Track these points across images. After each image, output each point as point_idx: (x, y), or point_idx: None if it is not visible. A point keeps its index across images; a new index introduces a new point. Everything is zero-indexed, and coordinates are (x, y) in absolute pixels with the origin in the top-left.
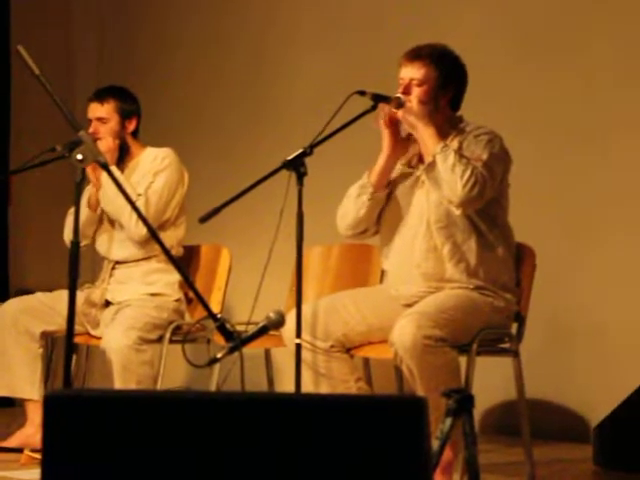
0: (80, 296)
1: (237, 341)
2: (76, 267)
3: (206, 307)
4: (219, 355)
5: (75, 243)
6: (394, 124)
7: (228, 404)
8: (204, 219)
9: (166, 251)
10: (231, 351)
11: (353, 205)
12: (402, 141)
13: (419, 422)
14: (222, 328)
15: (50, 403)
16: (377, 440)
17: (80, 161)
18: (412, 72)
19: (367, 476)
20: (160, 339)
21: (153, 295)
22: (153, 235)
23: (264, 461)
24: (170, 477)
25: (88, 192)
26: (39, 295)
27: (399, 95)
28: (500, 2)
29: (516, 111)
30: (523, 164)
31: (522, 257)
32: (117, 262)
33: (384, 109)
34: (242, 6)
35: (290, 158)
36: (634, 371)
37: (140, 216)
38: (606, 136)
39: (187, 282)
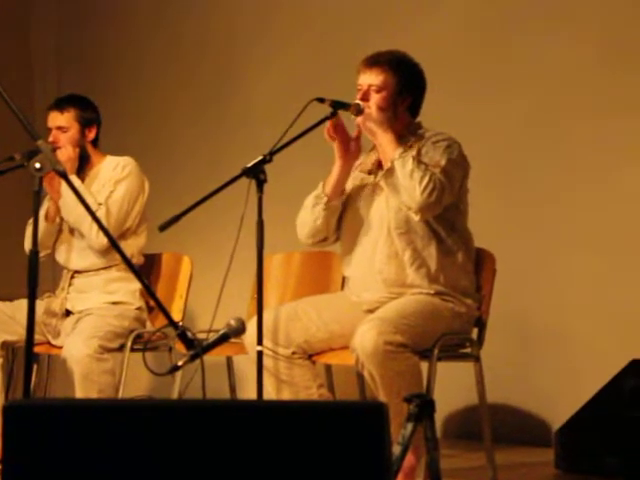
0: (40, 305)
1: (198, 349)
2: (35, 276)
3: (167, 315)
4: (180, 363)
5: (34, 252)
6: (340, 133)
7: (189, 412)
8: (164, 227)
9: (127, 260)
10: (192, 359)
11: (310, 215)
12: (352, 148)
13: (380, 428)
14: (183, 336)
15: (10, 413)
16: (339, 446)
17: (38, 170)
18: (370, 78)
19: None
20: (121, 348)
21: (114, 304)
22: (114, 245)
23: (226, 468)
24: None
25: (46, 204)
26: None
27: (358, 102)
28: (458, 7)
29: (472, 115)
30: (483, 168)
31: (482, 262)
32: (76, 271)
33: (326, 123)
34: (203, 20)
35: (250, 165)
36: (595, 375)
37: (101, 226)
38: (571, 139)
39: (148, 290)
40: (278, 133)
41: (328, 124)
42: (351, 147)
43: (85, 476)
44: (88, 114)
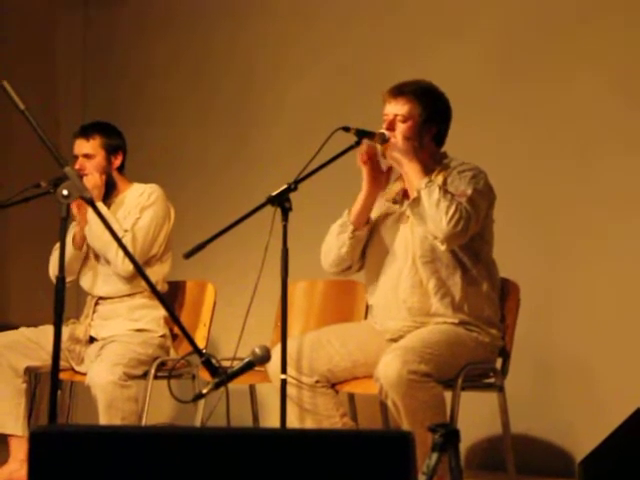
0: (65, 332)
1: (223, 376)
2: (62, 302)
3: (191, 342)
4: (205, 390)
5: (61, 278)
6: (371, 161)
7: (213, 439)
8: (189, 255)
9: (152, 287)
10: (217, 386)
11: (335, 243)
12: (381, 178)
13: (406, 457)
14: (208, 363)
15: (36, 439)
16: (364, 475)
17: (66, 197)
18: (396, 108)
19: None
20: (145, 375)
21: (138, 331)
22: (139, 271)
23: None
24: None
25: (73, 229)
26: (23, 330)
27: (383, 131)
28: (481, 34)
29: (499, 144)
30: (508, 200)
31: (506, 292)
32: (100, 298)
33: (360, 148)
34: (227, 44)
35: (275, 194)
36: (618, 406)
37: (126, 252)
38: (590, 168)
39: (173, 317)
40: (299, 159)
41: (362, 149)
42: (380, 177)
43: None
44: (114, 141)
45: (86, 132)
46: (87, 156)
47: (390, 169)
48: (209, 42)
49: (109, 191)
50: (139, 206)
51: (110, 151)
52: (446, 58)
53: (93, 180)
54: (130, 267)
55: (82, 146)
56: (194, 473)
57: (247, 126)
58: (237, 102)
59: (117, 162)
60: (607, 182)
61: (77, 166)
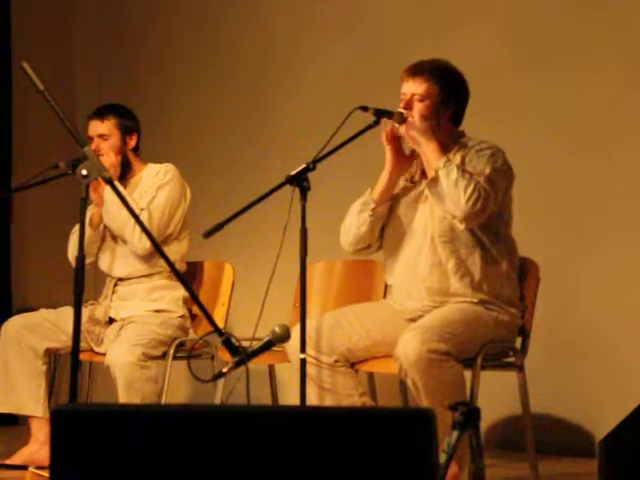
0: (84, 313)
1: (243, 355)
2: (82, 282)
3: (212, 322)
4: (225, 370)
5: (80, 258)
6: (396, 140)
7: (234, 417)
8: (208, 234)
9: (170, 264)
10: (237, 365)
11: (355, 222)
12: (405, 157)
13: (428, 435)
14: (228, 343)
15: (57, 417)
16: (386, 453)
17: (85, 177)
18: (414, 87)
19: None
20: (164, 355)
21: (157, 312)
22: (157, 248)
23: (271, 474)
24: None
25: (90, 211)
26: (43, 312)
27: (401, 110)
28: (502, 14)
29: (518, 125)
30: (526, 178)
31: (526, 271)
32: (119, 279)
33: (386, 125)
34: (242, 22)
35: (293, 173)
36: (639, 385)
37: (144, 229)
38: (611, 149)
39: (192, 296)
40: (317, 139)
41: (387, 128)
42: (403, 159)
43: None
44: (128, 122)
45: (101, 113)
46: (102, 137)
47: (413, 153)
48: (225, 21)
49: (124, 172)
50: (155, 185)
51: (125, 132)
52: (462, 40)
53: (109, 160)
54: (147, 244)
55: (97, 127)
56: (214, 450)
57: (265, 106)
58: (254, 82)
59: (132, 143)
60: (631, 163)
61: (92, 147)
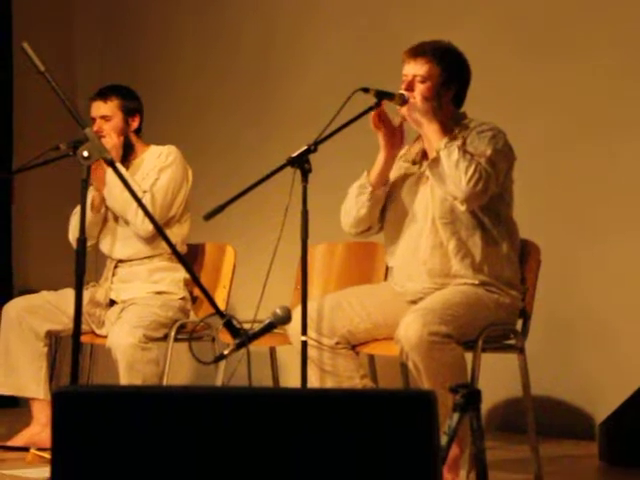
0: (85, 295)
1: (244, 337)
2: (83, 264)
3: (213, 304)
4: (226, 352)
5: (82, 240)
6: (384, 123)
7: (236, 399)
8: (209, 216)
9: (172, 247)
10: (238, 347)
11: (354, 204)
12: (397, 137)
13: (429, 417)
14: (229, 325)
15: (59, 399)
16: (387, 435)
17: (86, 158)
18: (415, 69)
19: (376, 471)
20: (165, 337)
21: (158, 293)
22: (159, 230)
23: (272, 456)
24: (179, 472)
25: (90, 193)
26: (44, 294)
27: (402, 92)
28: (505, 2)
29: (521, 108)
30: (528, 160)
31: (527, 253)
32: (120, 261)
33: (371, 114)
34: (246, 5)
35: (295, 155)
36: (639, 368)
37: (146, 212)
38: (613, 133)
39: (193, 278)
40: (319, 121)
41: (373, 115)
42: (395, 136)
43: (133, 462)
44: (131, 103)
45: (103, 94)
46: (105, 118)
47: (402, 125)
48: (229, 4)
49: (127, 153)
50: (157, 167)
51: (127, 113)
52: (465, 28)
53: (111, 141)
54: (150, 226)
55: (99, 108)
56: (216, 433)
57: (267, 88)
58: (257, 65)
59: (134, 124)
60: (633, 148)
61: (95, 128)
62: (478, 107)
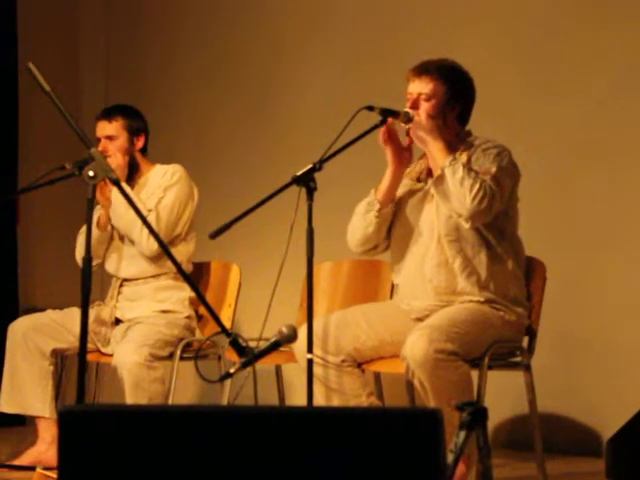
0: (90, 314)
1: (250, 356)
2: (89, 283)
3: (219, 322)
4: (232, 370)
5: (87, 259)
6: (392, 140)
7: (241, 418)
8: (215, 235)
9: (178, 266)
10: (244, 366)
11: (361, 222)
12: (405, 154)
13: (435, 434)
14: (235, 343)
15: (65, 418)
16: (393, 453)
17: (92, 177)
18: (420, 87)
19: None
20: (171, 356)
21: (164, 312)
22: (165, 250)
23: (278, 474)
24: None
25: (97, 212)
26: (50, 313)
27: (407, 110)
28: (510, 18)
29: (527, 126)
30: (534, 178)
31: (532, 270)
32: (125, 280)
33: (380, 129)
34: (251, 22)
35: (300, 174)
36: None
37: (151, 231)
38: (617, 151)
39: (199, 297)
40: (324, 140)
41: (382, 130)
42: (404, 154)
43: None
44: (136, 123)
45: (108, 114)
46: (110, 138)
47: (411, 145)
48: (233, 22)
49: (132, 173)
50: (162, 186)
51: (132, 133)
52: (476, 39)
53: (116, 161)
54: (155, 246)
55: (104, 128)
56: (222, 451)
57: (272, 107)
58: (261, 83)
59: (139, 144)
60: (636, 160)
61: (100, 148)
62: (483, 126)
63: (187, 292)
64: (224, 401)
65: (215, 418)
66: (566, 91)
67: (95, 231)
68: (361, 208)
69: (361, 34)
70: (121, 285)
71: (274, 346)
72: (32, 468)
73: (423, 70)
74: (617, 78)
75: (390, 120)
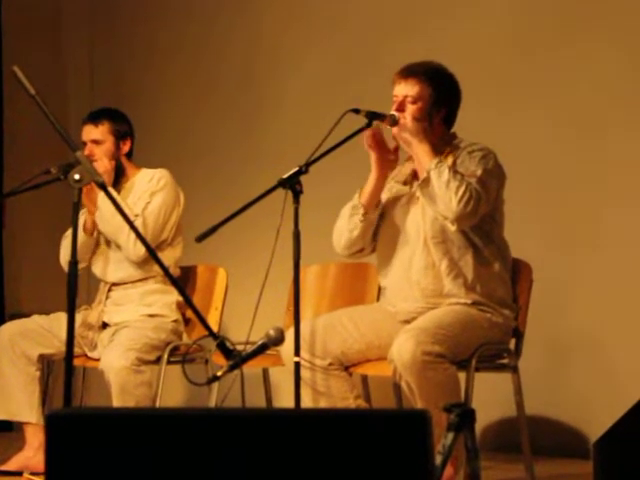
0: (77, 318)
1: (237, 359)
2: (75, 288)
3: (206, 326)
4: (219, 373)
5: (74, 263)
6: (378, 144)
7: (229, 420)
8: (201, 238)
9: (165, 270)
10: (231, 369)
11: (346, 226)
12: (389, 158)
13: (423, 436)
14: (222, 346)
15: (52, 422)
16: (381, 455)
17: (78, 181)
18: (406, 89)
19: None
20: (158, 360)
21: (151, 316)
22: (152, 254)
23: (266, 476)
24: None
25: (83, 216)
26: (36, 318)
27: (393, 112)
28: (497, 6)
29: (510, 127)
30: (519, 179)
31: (519, 272)
32: (113, 284)
33: (366, 132)
34: (228, 26)
35: (286, 177)
36: (633, 386)
37: (138, 235)
38: (603, 150)
39: (187, 301)
40: (307, 139)
41: (367, 133)
42: (389, 158)
43: None
44: (122, 127)
45: (95, 118)
46: (96, 142)
47: (397, 148)
48: (211, 23)
49: (118, 177)
50: (149, 191)
51: (119, 137)
52: (453, 34)
53: (103, 165)
54: (142, 251)
55: (91, 132)
56: (209, 454)
57: (253, 108)
58: (241, 84)
59: (126, 148)
60: (619, 161)
61: (86, 152)
62: (467, 125)
63: (174, 296)
64: (211, 404)
65: (203, 421)
66: (551, 84)
67: (81, 235)
68: (346, 211)
69: (343, 33)
70: (109, 290)
71: (261, 349)
72: (19, 473)
73: (409, 72)
74: (607, 73)
75: (375, 124)
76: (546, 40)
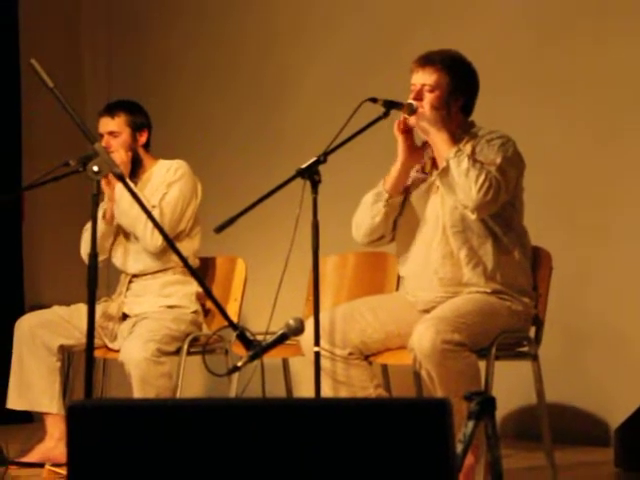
0: (97, 309)
1: (257, 349)
2: (95, 279)
3: (225, 316)
4: (240, 364)
5: (93, 255)
6: (408, 131)
7: (250, 411)
8: (219, 229)
9: (184, 260)
10: (252, 359)
11: (369, 212)
12: (417, 148)
13: (444, 424)
14: (242, 336)
15: (73, 413)
16: (402, 443)
17: (96, 173)
18: (424, 78)
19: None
20: (178, 351)
21: (171, 307)
22: (170, 244)
23: (286, 466)
24: None
25: (103, 206)
26: (56, 309)
27: (411, 101)
28: (516, 1)
29: (531, 116)
30: (539, 167)
31: (539, 260)
32: (134, 275)
33: (399, 116)
34: (246, 16)
35: (304, 166)
36: None
37: (156, 225)
38: (625, 140)
39: (206, 291)
40: (325, 129)
41: (400, 120)
42: (416, 149)
43: (148, 475)
44: (139, 118)
45: (111, 110)
46: (112, 134)
47: (425, 144)
48: (228, 14)
49: (135, 168)
50: (166, 182)
51: (135, 128)
52: (472, 25)
53: (120, 157)
54: (159, 242)
55: (107, 124)
56: (230, 444)
57: (272, 98)
58: (258, 74)
59: (142, 139)
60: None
61: (103, 144)
62: (487, 113)
63: (194, 287)
64: (232, 394)
65: (223, 411)
66: (570, 79)
67: (101, 225)
68: (369, 198)
69: (358, 23)
70: (130, 281)
71: (281, 339)
72: (41, 465)
73: (427, 61)
74: (623, 61)
75: (393, 113)
76: (568, 27)
